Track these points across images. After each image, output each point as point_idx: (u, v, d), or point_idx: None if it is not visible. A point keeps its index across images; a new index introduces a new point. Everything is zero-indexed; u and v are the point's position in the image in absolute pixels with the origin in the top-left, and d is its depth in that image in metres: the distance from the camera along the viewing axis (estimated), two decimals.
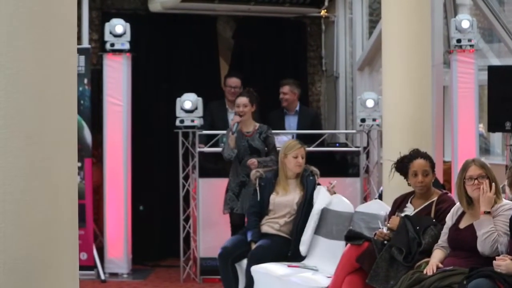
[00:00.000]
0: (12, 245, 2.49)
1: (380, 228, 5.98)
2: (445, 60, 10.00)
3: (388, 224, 5.94)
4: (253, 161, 7.94)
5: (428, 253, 5.57)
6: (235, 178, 8.18)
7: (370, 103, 8.91)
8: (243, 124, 8.14)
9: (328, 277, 6.10)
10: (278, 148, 7.97)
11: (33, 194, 2.52)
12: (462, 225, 5.51)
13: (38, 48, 2.63)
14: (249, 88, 8.48)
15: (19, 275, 2.50)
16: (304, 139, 8.64)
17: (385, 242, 5.82)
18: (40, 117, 2.60)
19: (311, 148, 8.95)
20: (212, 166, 9.32)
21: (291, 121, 9.56)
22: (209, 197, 9.10)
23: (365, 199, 8.96)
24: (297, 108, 9.62)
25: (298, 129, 9.44)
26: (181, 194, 9.28)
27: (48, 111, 2.63)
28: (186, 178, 9.33)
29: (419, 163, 6.02)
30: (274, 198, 7.28)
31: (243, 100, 8.12)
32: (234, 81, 9.48)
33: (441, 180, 7.81)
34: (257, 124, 8.24)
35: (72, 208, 2.70)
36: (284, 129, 9.43)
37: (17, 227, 2.51)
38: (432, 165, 6.04)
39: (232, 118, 8.95)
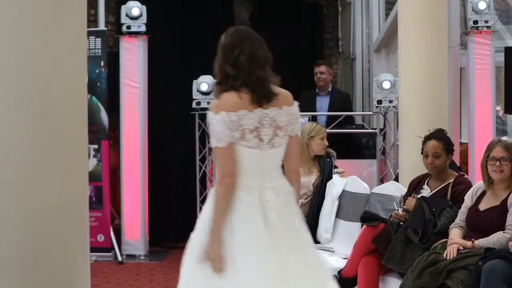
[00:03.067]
0: (22, 225, 2.49)
1: (396, 210, 5.96)
2: (461, 42, 9.93)
3: (404, 206, 5.91)
4: None
5: (443, 234, 5.53)
6: None
7: (386, 85, 8.86)
8: None
9: (344, 258, 6.08)
10: None
11: (43, 175, 2.51)
12: (482, 206, 5.45)
13: (48, 29, 2.60)
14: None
15: (29, 254, 2.50)
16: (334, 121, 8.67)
17: (401, 223, 5.79)
18: (51, 98, 2.58)
19: (328, 130, 8.94)
20: None
21: (323, 101, 9.53)
22: None
23: (381, 180, 8.92)
24: (330, 89, 9.59)
25: (329, 109, 9.41)
26: (198, 176, 9.29)
27: (59, 92, 2.61)
28: (202, 160, 9.34)
29: (431, 144, 5.96)
30: None
31: None
32: None
33: (457, 162, 7.77)
34: None
35: (82, 189, 2.68)
36: (315, 109, 9.41)
37: (27, 207, 2.50)
38: (447, 147, 5.95)
39: None
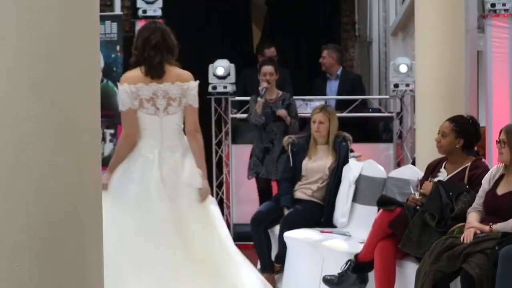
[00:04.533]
0: (36, 210, 2.46)
1: (412, 194, 5.92)
2: (479, 25, 9.84)
3: (421, 190, 5.87)
4: (283, 112, 8.00)
5: (460, 218, 5.48)
6: (259, 144, 8.26)
7: (403, 68, 8.83)
8: (267, 92, 8.15)
9: (361, 242, 6.04)
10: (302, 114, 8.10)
11: (57, 160, 2.48)
12: (500, 191, 5.39)
13: (61, 12, 2.58)
14: (272, 57, 8.51)
15: (42, 240, 2.47)
16: (344, 104, 8.63)
17: (418, 207, 5.75)
18: (64, 82, 2.54)
19: (344, 114, 8.93)
20: (246, 133, 9.31)
21: (332, 85, 9.50)
22: (242, 163, 9.08)
23: (398, 164, 8.91)
24: (339, 72, 9.53)
25: (338, 93, 9.37)
26: (214, 160, 9.30)
27: (72, 76, 2.57)
28: (219, 144, 9.33)
29: (443, 124, 5.95)
30: (306, 164, 7.25)
31: (269, 68, 8.17)
32: (272, 51, 9.45)
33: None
34: (280, 92, 8.29)
35: (96, 175, 2.64)
36: (325, 94, 9.38)
37: (40, 192, 2.47)
38: (457, 129, 5.88)
39: None
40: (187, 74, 5.55)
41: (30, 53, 2.48)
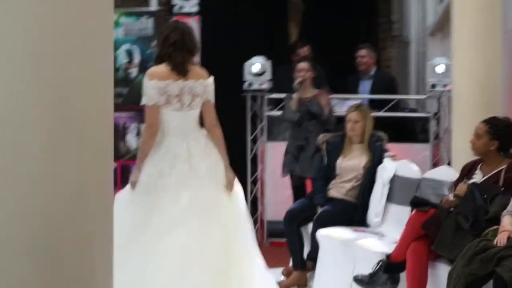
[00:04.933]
0: (38, 207, 2.39)
1: (446, 195, 5.86)
2: None
3: (455, 191, 5.81)
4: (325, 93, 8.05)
5: (494, 221, 5.40)
6: (294, 142, 8.26)
7: (440, 69, 8.77)
8: (302, 90, 8.13)
9: (394, 243, 5.98)
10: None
11: (61, 160, 2.42)
12: None
13: (71, 7, 2.52)
14: (309, 55, 8.48)
15: (43, 243, 2.41)
16: (378, 104, 8.59)
17: (451, 209, 5.70)
18: (71, 73, 2.48)
19: (380, 113, 8.89)
20: (281, 130, 9.30)
21: (365, 85, 9.45)
22: (277, 161, 9.06)
23: (435, 165, 8.83)
24: (372, 72, 9.48)
25: (371, 93, 9.31)
26: (249, 157, 9.30)
27: (80, 68, 2.50)
28: (254, 141, 9.33)
29: (477, 125, 5.89)
30: (341, 162, 7.22)
31: (303, 65, 8.17)
32: (305, 50, 9.42)
33: None
34: (316, 90, 8.23)
35: (105, 170, 2.52)
36: (357, 93, 9.33)
37: (43, 194, 2.41)
38: (492, 131, 5.80)
39: None
40: (205, 72, 5.96)
41: (36, 44, 2.41)
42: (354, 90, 9.26)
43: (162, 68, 5.73)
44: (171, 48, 5.72)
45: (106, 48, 2.60)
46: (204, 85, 5.79)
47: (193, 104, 5.77)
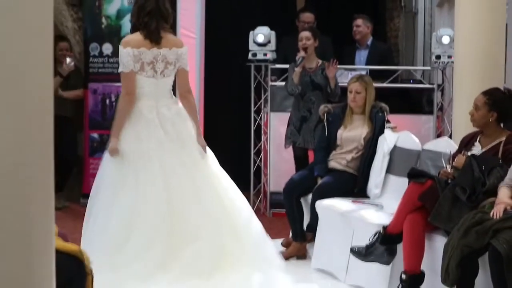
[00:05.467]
0: None
1: (444, 167, 5.81)
2: None
3: (454, 163, 5.76)
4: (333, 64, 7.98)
5: (492, 193, 5.36)
6: (297, 113, 8.19)
7: (446, 40, 8.65)
8: (306, 60, 8.05)
9: (392, 214, 5.97)
10: (341, 84, 8.00)
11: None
12: None
13: None
14: (311, 25, 8.41)
15: None
16: (376, 75, 8.50)
17: (449, 181, 5.65)
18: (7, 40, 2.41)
19: (384, 84, 8.82)
20: (285, 101, 9.24)
21: (362, 55, 9.37)
22: (280, 131, 9.04)
23: (438, 136, 8.76)
24: (369, 42, 9.39)
25: (367, 63, 9.24)
26: (252, 127, 9.26)
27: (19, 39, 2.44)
28: (257, 112, 9.29)
29: (477, 96, 5.83)
30: (342, 133, 7.18)
31: (306, 33, 8.08)
32: (308, 16, 9.32)
33: None
34: (320, 61, 8.16)
35: (45, 139, 2.47)
36: (353, 63, 9.26)
37: None
38: (491, 103, 5.73)
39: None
40: (180, 40, 6.34)
41: None
42: (350, 60, 9.18)
43: (136, 36, 6.02)
44: (147, 17, 5.98)
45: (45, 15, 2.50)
46: (177, 53, 6.06)
47: (165, 72, 6.05)
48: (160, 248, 5.95)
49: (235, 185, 6.36)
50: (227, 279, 5.92)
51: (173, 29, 9.15)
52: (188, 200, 6.02)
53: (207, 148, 6.22)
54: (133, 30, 6.12)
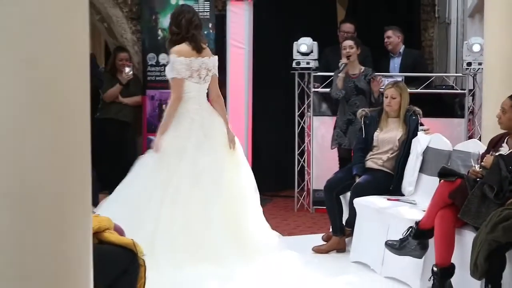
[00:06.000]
0: (17, 164, 2.23)
1: (473, 166, 5.68)
2: None
3: (482, 163, 5.63)
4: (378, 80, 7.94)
5: None
6: (343, 116, 8.16)
7: (476, 48, 8.54)
8: (350, 67, 8.01)
9: (424, 210, 5.86)
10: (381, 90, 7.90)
11: (39, 113, 2.23)
12: None
13: None
14: (354, 35, 8.35)
15: (22, 189, 2.24)
16: (411, 81, 8.40)
17: (478, 179, 5.52)
18: (44, 40, 2.27)
19: (418, 90, 8.71)
20: (326, 105, 9.19)
21: (395, 62, 9.25)
22: (322, 134, 9.02)
23: (469, 138, 8.61)
24: (401, 50, 9.26)
25: (400, 70, 9.12)
26: (297, 130, 9.22)
27: (54, 35, 2.29)
28: (301, 116, 9.25)
29: (504, 100, 5.71)
30: (378, 135, 7.09)
31: (349, 42, 8.03)
32: (348, 27, 9.24)
33: None
34: (363, 67, 8.12)
35: (83, 132, 2.33)
36: (388, 71, 9.15)
37: (21, 146, 2.23)
38: None
39: None
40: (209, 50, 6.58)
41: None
42: (384, 67, 9.08)
43: (185, 47, 6.27)
44: (195, 30, 6.30)
45: (81, 24, 2.42)
46: (214, 61, 6.41)
47: (207, 78, 6.35)
48: (186, 238, 6.06)
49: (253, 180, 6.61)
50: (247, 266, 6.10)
51: (224, 41, 9.21)
52: (211, 197, 6.19)
53: (236, 140, 6.53)
54: (178, 40, 6.31)
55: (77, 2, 2.39)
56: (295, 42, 8.96)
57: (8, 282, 2.26)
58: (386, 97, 7.09)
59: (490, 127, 6.31)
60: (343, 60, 8.02)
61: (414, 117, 7.05)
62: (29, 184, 2.24)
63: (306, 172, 9.26)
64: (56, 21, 2.28)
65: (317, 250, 7.06)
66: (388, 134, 7.06)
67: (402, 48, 9.24)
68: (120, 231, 4.55)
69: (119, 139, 9.16)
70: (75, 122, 2.32)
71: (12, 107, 2.21)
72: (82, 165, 2.35)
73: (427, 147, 6.79)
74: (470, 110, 8.95)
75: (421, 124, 7.06)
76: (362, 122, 7.21)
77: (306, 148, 9.25)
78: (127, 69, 9.07)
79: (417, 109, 7.11)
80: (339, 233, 7.07)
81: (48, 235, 2.28)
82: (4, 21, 2.21)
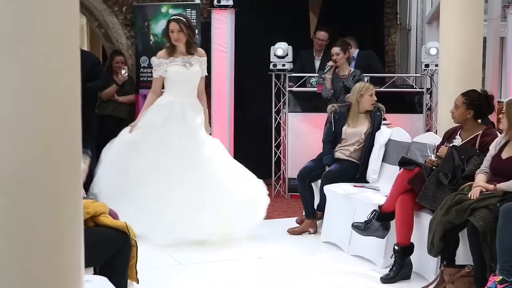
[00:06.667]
0: (14, 153, 2.16)
1: (429, 156, 5.69)
2: (503, 14, 9.43)
3: (438, 153, 5.65)
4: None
5: (470, 178, 5.25)
6: None
7: (433, 51, 8.56)
8: (340, 68, 7.89)
9: (386, 196, 5.87)
10: None
11: (29, 111, 2.15)
12: (504, 155, 5.15)
13: None
14: (342, 38, 8.24)
15: (13, 185, 2.18)
16: (375, 81, 8.41)
17: (434, 168, 5.54)
18: (36, 39, 2.18)
19: (382, 89, 8.71)
20: (300, 103, 9.17)
21: (351, 66, 9.10)
22: (296, 128, 8.99)
23: (427, 131, 8.64)
24: (354, 54, 9.17)
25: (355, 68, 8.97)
26: (273, 125, 9.20)
27: (47, 35, 2.20)
28: (278, 112, 9.23)
29: (456, 97, 5.72)
30: (346, 129, 7.08)
31: (335, 49, 7.88)
32: (322, 34, 9.26)
33: (495, 116, 7.36)
34: (352, 69, 8.01)
35: (74, 121, 2.26)
36: None
37: (18, 135, 2.16)
38: (468, 102, 5.63)
39: (318, 65, 9.20)
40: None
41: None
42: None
43: (183, 49, 6.84)
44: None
45: (71, 19, 2.34)
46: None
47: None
48: (171, 215, 6.19)
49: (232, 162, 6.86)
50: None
51: (209, 45, 9.16)
52: (196, 172, 6.42)
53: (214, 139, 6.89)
54: (194, 45, 6.90)
55: (69, 5, 2.30)
56: (272, 46, 8.92)
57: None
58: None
59: (445, 121, 6.32)
60: (330, 63, 7.93)
61: (378, 113, 7.04)
62: (24, 172, 2.20)
63: (282, 163, 9.23)
64: (49, 23, 2.22)
65: (292, 231, 7.05)
66: (355, 129, 7.05)
67: (356, 52, 9.20)
68: (114, 215, 4.52)
69: (116, 134, 9.09)
70: (68, 116, 2.27)
71: (8, 103, 2.16)
72: (74, 156, 2.30)
73: (389, 139, 6.79)
74: (427, 106, 8.96)
75: (384, 119, 7.05)
76: (332, 117, 7.18)
77: (282, 141, 9.22)
78: (123, 71, 9.01)
79: (381, 105, 7.10)
80: (311, 217, 7.05)
81: (43, 217, 2.24)
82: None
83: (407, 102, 9.28)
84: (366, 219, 5.75)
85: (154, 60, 6.85)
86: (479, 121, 5.78)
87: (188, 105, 6.66)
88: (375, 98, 7.03)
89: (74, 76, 2.26)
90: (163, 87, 6.87)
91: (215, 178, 6.42)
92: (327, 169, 6.96)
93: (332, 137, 7.14)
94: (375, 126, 6.96)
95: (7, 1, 2.12)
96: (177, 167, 6.38)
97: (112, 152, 6.57)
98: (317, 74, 8.72)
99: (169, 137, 6.50)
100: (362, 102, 6.99)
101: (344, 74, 7.98)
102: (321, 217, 6.94)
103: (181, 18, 6.85)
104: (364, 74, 8.08)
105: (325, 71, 7.92)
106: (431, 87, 8.95)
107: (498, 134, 5.47)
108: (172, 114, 6.57)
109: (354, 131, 7.03)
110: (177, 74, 6.68)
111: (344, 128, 7.08)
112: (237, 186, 6.54)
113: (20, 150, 2.16)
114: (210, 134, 6.86)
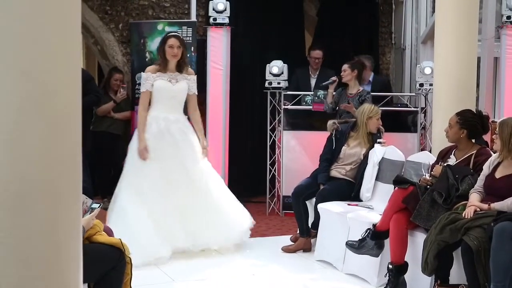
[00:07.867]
0: (12, 164, 2.16)
1: (424, 175, 5.70)
2: (497, 35, 9.48)
3: (432, 172, 5.66)
4: (346, 105, 7.83)
5: (464, 197, 5.25)
6: None
7: (427, 70, 8.59)
8: (349, 86, 7.92)
9: (380, 214, 5.86)
10: None
11: (26, 128, 2.16)
12: (497, 175, 5.18)
13: None
14: (356, 57, 8.26)
15: (13, 198, 2.17)
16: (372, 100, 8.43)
17: (428, 187, 5.54)
18: (38, 54, 2.19)
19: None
20: (295, 121, 9.18)
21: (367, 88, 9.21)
22: (291, 146, 8.99)
23: (422, 151, 8.64)
24: (370, 78, 9.23)
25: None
26: (268, 143, 9.20)
27: (48, 49, 2.21)
28: (273, 130, 9.23)
29: (450, 117, 5.75)
30: (345, 150, 7.06)
31: (344, 66, 7.92)
32: (317, 53, 9.29)
33: (490, 136, 7.39)
34: (361, 88, 8.00)
35: (74, 137, 2.27)
36: None
37: (16, 146, 2.17)
38: (462, 122, 5.65)
39: (313, 83, 9.19)
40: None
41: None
42: None
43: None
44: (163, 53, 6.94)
45: (74, 30, 2.36)
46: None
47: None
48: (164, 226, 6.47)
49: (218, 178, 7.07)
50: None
51: (204, 62, 9.19)
52: (183, 190, 6.65)
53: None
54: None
55: (71, 19, 2.31)
56: (267, 64, 8.94)
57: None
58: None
59: (439, 140, 6.34)
60: (333, 78, 7.98)
61: (378, 134, 7.05)
62: (26, 184, 2.20)
63: (276, 180, 9.23)
64: (52, 37, 2.23)
65: (286, 249, 7.04)
66: (355, 149, 7.05)
67: (371, 76, 9.23)
68: (109, 232, 4.51)
69: (111, 150, 9.10)
70: (68, 132, 2.28)
71: (11, 113, 2.16)
72: (75, 168, 2.31)
73: (383, 157, 6.79)
74: (422, 125, 8.97)
75: (379, 137, 7.06)
76: (333, 135, 7.17)
77: (276, 159, 9.22)
78: (122, 90, 9.05)
79: (382, 127, 7.11)
80: (305, 235, 7.04)
81: (42, 229, 2.23)
82: (2, 36, 2.16)
83: (401, 121, 9.31)
84: (360, 238, 5.75)
85: (142, 74, 6.99)
86: (473, 140, 5.79)
87: (173, 119, 6.80)
88: (381, 123, 7.05)
89: (75, 92, 2.27)
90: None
91: (200, 191, 6.63)
92: (321, 187, 6.95)
93: (330, 155, 7.13)
94: (372, 147, 6.96)
95: (13, 18, 2.13)
96: (164, 181, 6.62)
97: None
98: (312, 92, 8.77)
99: (154, 151, 6.71)
100: (369, 124, 7.01)
101: (351, 93, 7.98)
102: (315, 235, 6.92)
103: (179, 36, 6.99)
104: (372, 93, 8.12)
105: (324, 83, 7.94)
106: (425, 106, 8.97)
107: (492, 153, 5.48)
108: (158, 128, 6.73)
109: (353, 152, 7.03)
110: (162, 89, 6.77)
111: (343, 148, 7.07)
112: (222, 195, 6.86)
113: (20, 165, 2.16)
114: (205, 149, 7.01)
